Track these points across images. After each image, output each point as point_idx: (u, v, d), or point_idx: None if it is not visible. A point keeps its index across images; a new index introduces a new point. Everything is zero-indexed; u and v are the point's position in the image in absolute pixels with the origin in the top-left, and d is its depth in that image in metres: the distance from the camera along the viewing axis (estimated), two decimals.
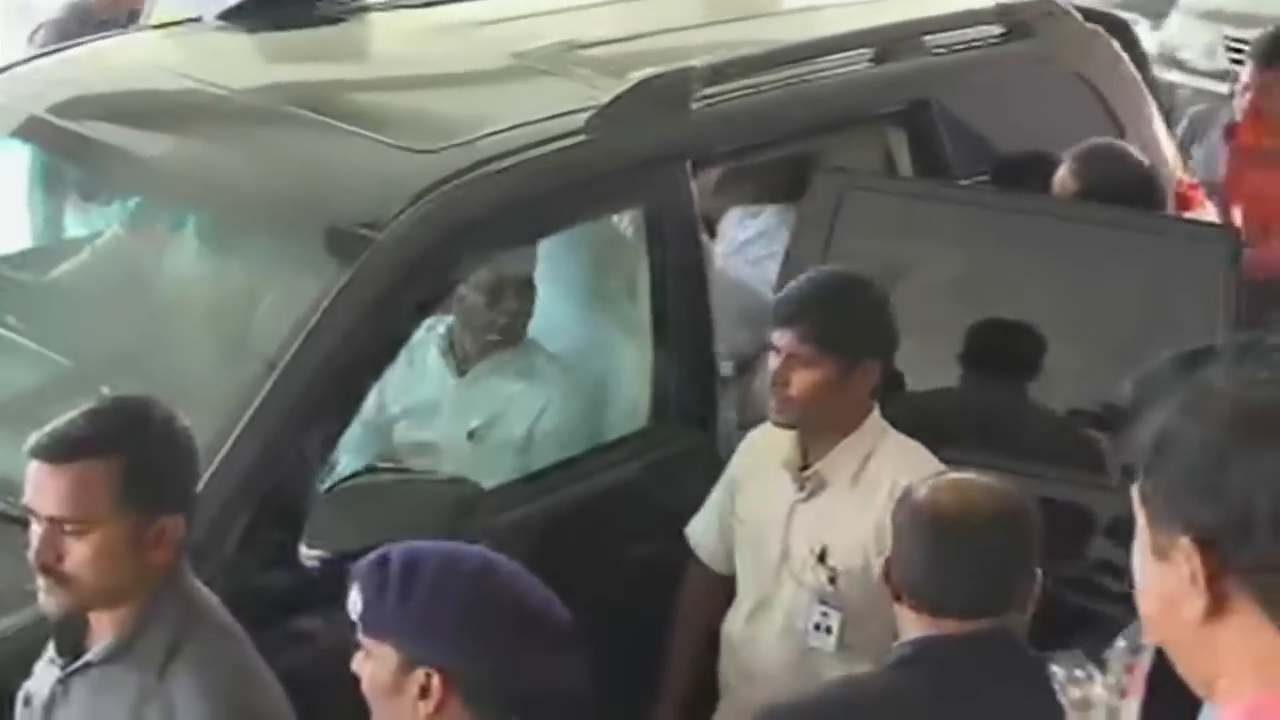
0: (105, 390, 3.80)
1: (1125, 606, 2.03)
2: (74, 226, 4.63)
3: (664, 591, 4.05)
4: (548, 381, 4.30)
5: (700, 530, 3.98)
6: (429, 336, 4.36)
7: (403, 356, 4.20)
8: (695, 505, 4.02)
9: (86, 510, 2.77)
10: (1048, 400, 4.34)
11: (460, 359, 4.38)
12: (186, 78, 4.53)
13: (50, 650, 2.93)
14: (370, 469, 3.89)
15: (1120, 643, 2.58)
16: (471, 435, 4.23)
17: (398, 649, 2.48)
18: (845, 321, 3.63)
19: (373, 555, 2.53)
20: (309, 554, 3.63)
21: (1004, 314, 4.29)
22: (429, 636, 2.45)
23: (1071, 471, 4.02)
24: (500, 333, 4.32)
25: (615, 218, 4.50)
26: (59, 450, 2.77)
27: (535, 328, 4.40)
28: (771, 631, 3.76)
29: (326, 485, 3.76)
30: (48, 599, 2.82)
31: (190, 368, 4.05)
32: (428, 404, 4.32)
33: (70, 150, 4.42)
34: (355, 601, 2.50)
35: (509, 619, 2.45)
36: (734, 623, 3.85)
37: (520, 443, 4.27)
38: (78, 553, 2.78)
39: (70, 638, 2.90)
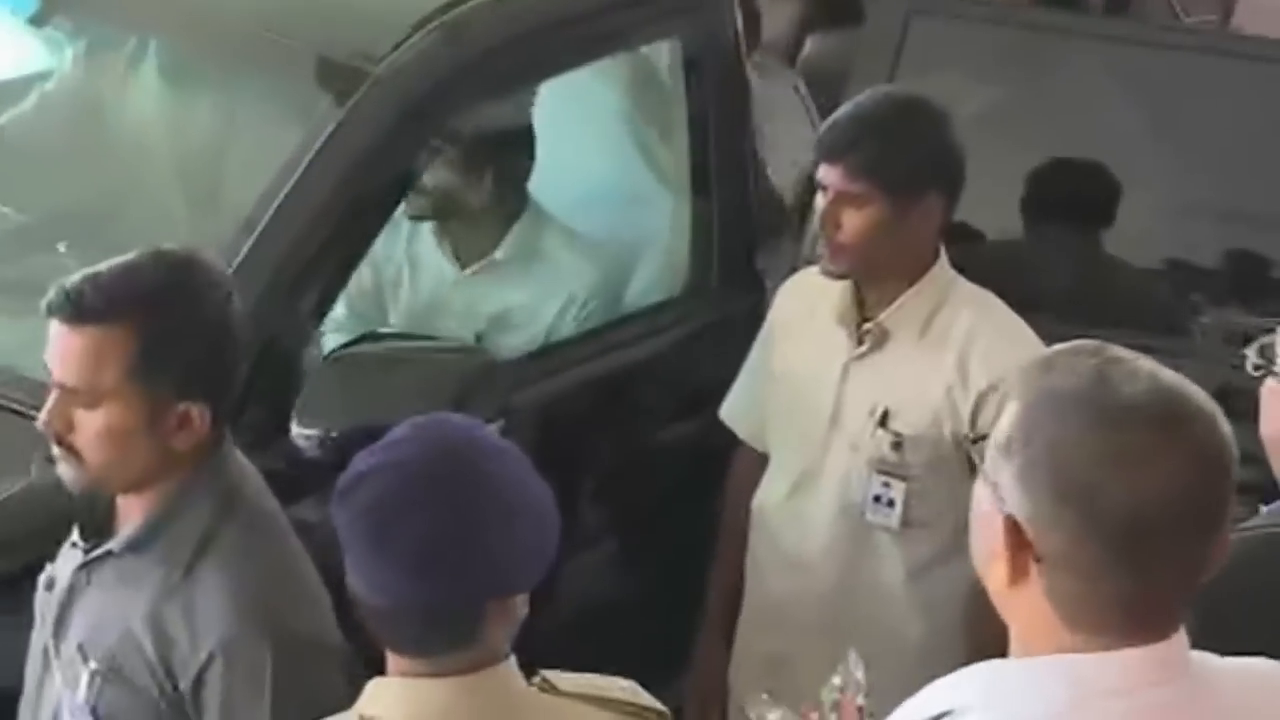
0: (61, 248, 3.86)
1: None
2: (18, 59, 4.46)
3: (703, 479, 3.98)
4: (567, 270, 4.13)
5: (738, 406, 3.88)
6: (423, 229, 4.20)
7: (401, 253, 4.14)
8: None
9: (93, 382, 2.70)
10: (1132, 256, 4.27)
11: (457, 249, 4.16)
12: None
13: (74, 533, 2.88)
14: (370, 336, 3.81)
15: (834, 679, 2.57)
16: (479, 340, 4.07)
17: None
18: (901, 150, 3.49)
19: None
20: (301, 433, 3.55)
21: (1091, 156, 4.17)
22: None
23: (1155, 338, 3.84)
24: (497, 205, 4.10)
25: (646, 48, 4.38)
26: (70, 310, 2.70)
27: (551, 186, 4.23)
28: (820, 507, 3.68)
29: (322, 356, 3.69)
30: (64, 470, 2.78)
31: (158, 222, 3.95)
32: (428, 306, 4.18)
33: None
34: None
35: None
36: (770, 498, 3.77)
37: (538, 345, 4.11)
38: (87, 426, 2.72)
39: (95, 520, 2.84)
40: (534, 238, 4.13)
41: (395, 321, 4.14)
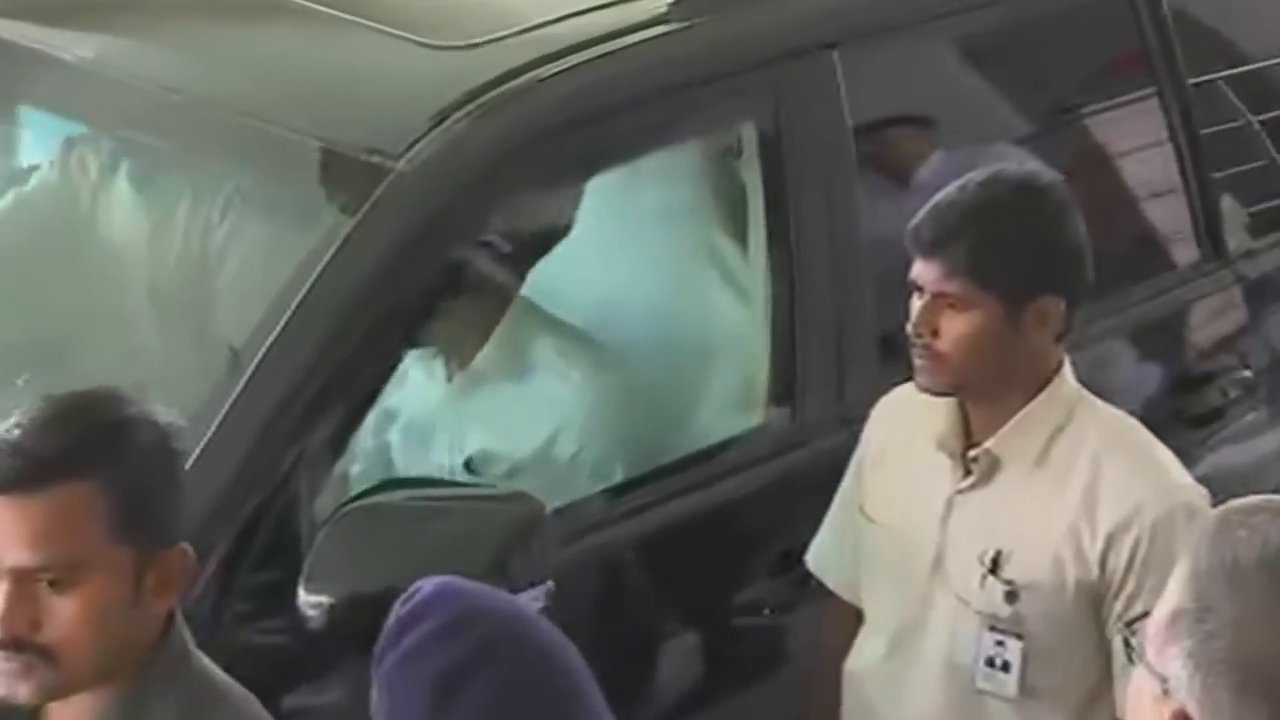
0: (20, 382, 3.87)
1: None
2: None
3: (785, 643, 4.06)
4: (561, 385, 4.14)
5: (826, 551, 3.88)
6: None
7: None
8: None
9: (72, 551, 2.65)
10: None
11: (443, 355, 4.18)
12: None
13: None
14: (392, 483, 3.84)
15: None
16: (469, 465, 4.10)
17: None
18: (1010, 243, 3.52)
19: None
20: (309, 600, 3.55)
21: None
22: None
23: None
24: (493, 298, 4.12)
25: (715, 136, 4.38)
26: (22, 475, 2.65)
27: (594, 299, 4.29)
28: (922, 670, 3.67)
29: (334, 508, 3.69)
30: (16, 686, 2.68)
31: (138, 353, 4.02)
32: (420, 423, 4.21)
33: None
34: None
35: None
36: (865, 659, 3.77)
37: (531, 476, 4.08)
38: (65, 614, 2.65)
39: None
40: (522, 344, 4.15)
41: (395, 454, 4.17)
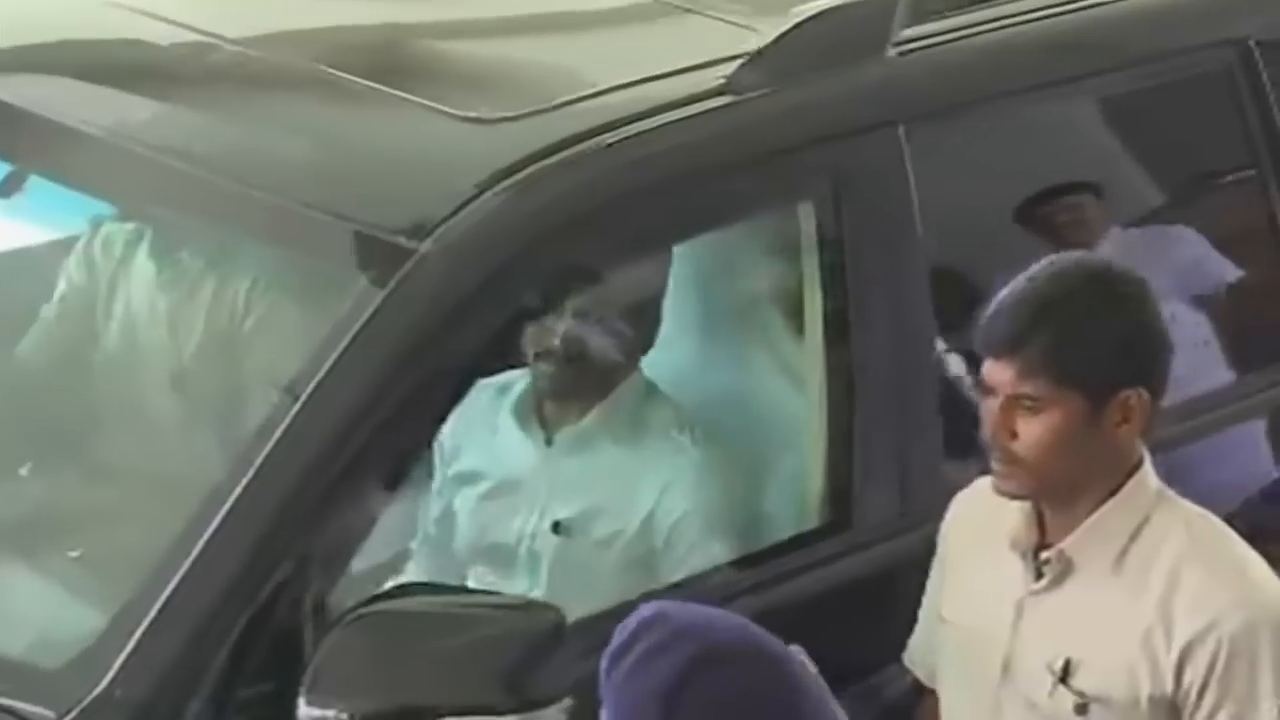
0: (24, 472, 4.01)
1: None
2: None
3: None
4: (673, 450, 4.21)
5: (916, 646, 3.95)
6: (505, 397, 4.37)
7: (481, 421, 4.26)
8: (895, 637, 3.97)
9: None
10: None
11: (545, 420, 4.27)
12: (165, 22, 4.50)
13: None
14: (405, 588, 3.86)
15: None
16: (558, 528, 4.17)
17: None
18: (1089, 340, 3.51)
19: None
20: (310, 714, 3.53)
21: None
22: None
23: None
24: (598, 374, 4.21)
25: (773, 216, 4.38)
26: None
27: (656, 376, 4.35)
28: None
29: (343, 611, 3.68)
30: None
31: (146, 436, 4.06)
32: (509, 484, 4.30)
33: None
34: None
35: None
36: None
37: (629, 542, 4.18)
38: None
39: None
40: (634, 406, 4.22)
41: (462, 520, 4.24)
